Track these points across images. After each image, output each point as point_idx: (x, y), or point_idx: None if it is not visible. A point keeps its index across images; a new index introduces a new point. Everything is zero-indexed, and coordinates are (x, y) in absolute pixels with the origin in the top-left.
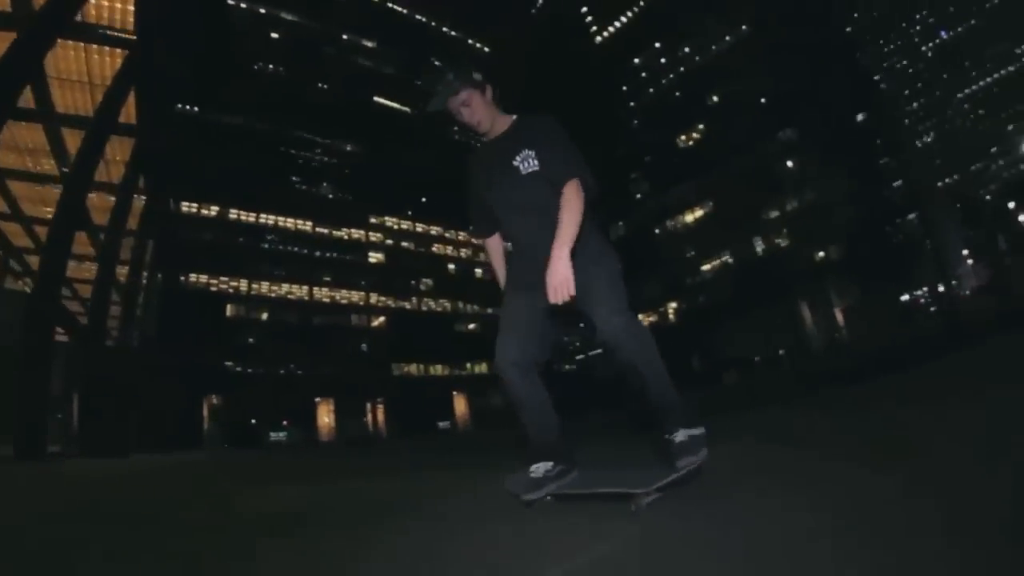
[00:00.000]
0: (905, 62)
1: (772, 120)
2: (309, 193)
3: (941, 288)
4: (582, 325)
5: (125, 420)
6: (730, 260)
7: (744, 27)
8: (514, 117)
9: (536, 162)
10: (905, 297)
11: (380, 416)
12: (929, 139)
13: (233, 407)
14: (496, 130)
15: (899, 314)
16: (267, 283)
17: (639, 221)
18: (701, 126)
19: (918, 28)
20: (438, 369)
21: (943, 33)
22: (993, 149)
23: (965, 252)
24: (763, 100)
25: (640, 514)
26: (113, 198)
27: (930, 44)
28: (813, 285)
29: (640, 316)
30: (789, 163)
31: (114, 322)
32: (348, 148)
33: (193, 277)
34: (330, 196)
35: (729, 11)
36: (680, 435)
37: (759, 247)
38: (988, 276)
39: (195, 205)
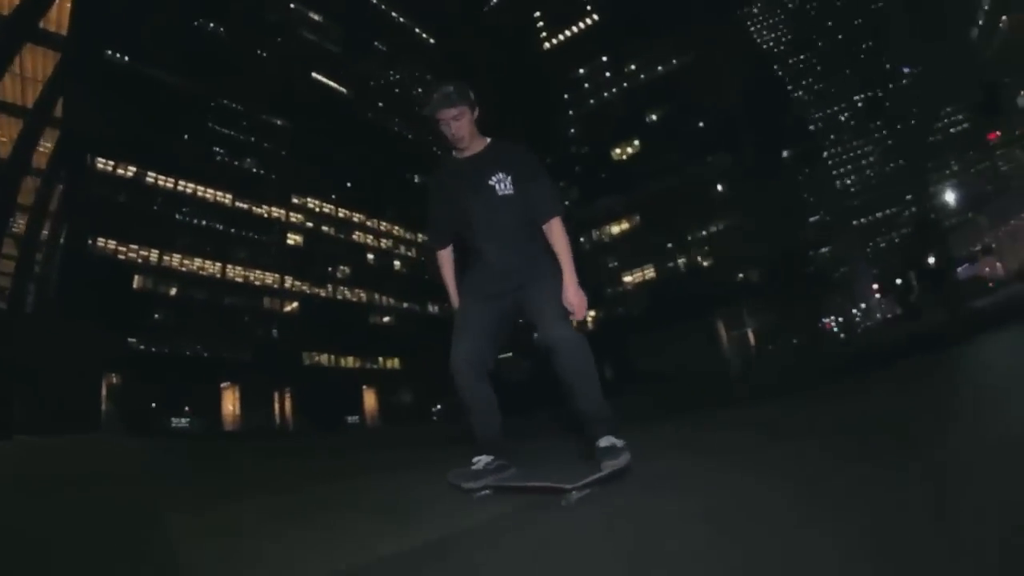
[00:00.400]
0: (836, 108)
1: (706, 144)
2: (232, 165)
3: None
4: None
5: (9, 395)
6: (652, 274)
7: (690, 53)
8: (489, 140)
9: (511, 187)
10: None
11: (287, 406)
12: (849, 181)
13: (134, 388)
14: (472, 149)
15: (812, 337)
16: (179, 256)
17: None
18: (637, 141)
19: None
20: (349, 361)
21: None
22: (908, 196)
23: (875, 286)
24: (700, 124)
25: (569, 506)
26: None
27: (860, 96)
28: (730, 306)
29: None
30: (719, 187)
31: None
32: (279, 123)
33: (101, 242)
34: (254, 170)
35: (678, 37)
36: (605, 441)
37: (682, 264)
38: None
39: (111, 163)
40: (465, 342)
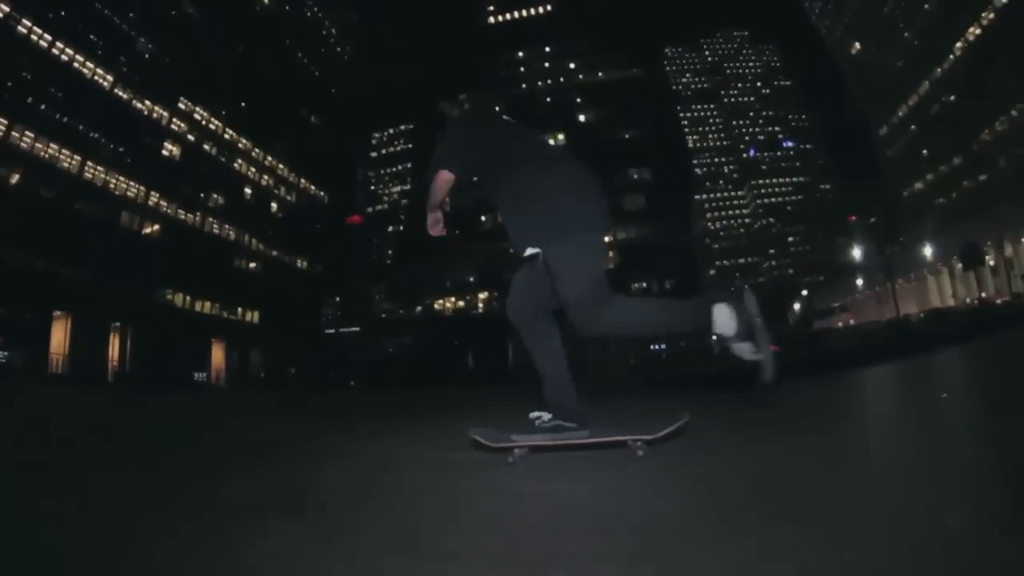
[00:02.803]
0: (721, 159)
1: (629, 156)
2: (123, 44)
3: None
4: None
5: None
6: None
7: (635, 70)
8: None
9: None
10: None
11: (122, 348)
12: (719, 225)
13: None
14: None
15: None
16: (32, 135)
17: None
18: (561, 136)
19: (739, 135)
20: (205, 307)
21: (753, 151)
22: (772, 251)
23: None
24: (626, 136)
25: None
26: None
27: (743, 155)
28: None
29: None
30: (631, 199)
31: None
32: (189, 11)
33: None
34: (145, 56)
35: (629, 53)
36: (547, 416)
37: None
38: None
39: None
40: (515, 295)
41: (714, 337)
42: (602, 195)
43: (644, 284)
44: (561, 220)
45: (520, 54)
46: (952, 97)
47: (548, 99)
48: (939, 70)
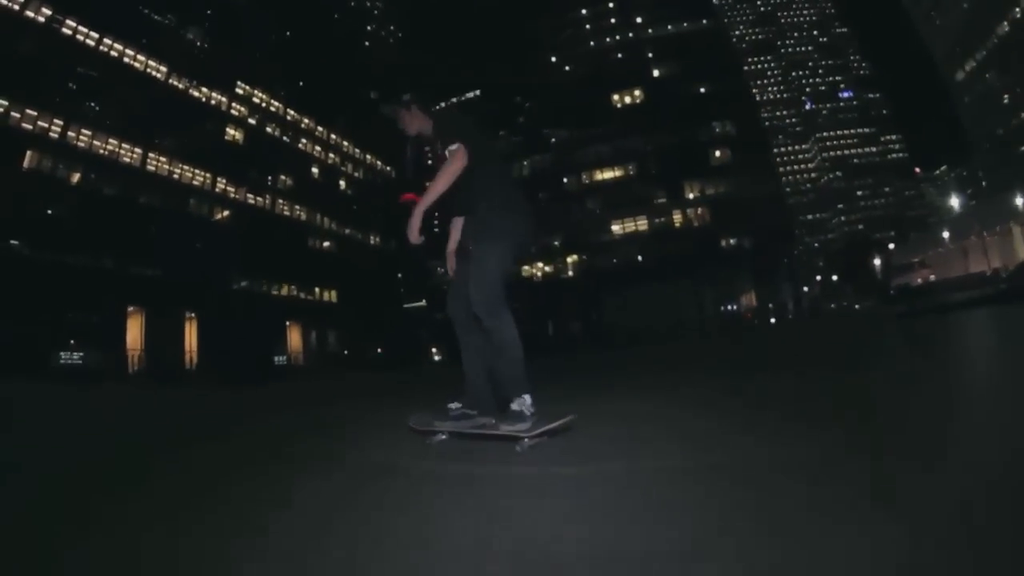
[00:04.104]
0: (785, 112)
1: (709, 110)
2: (172, 30)
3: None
4: None
5: None
6: (644, 226)
7: (704, 21)
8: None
9: (443, 148)
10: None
11: (200, 340)
12: (783, 182)
13: (9, 309)
14: (426, 131)
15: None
16: (88, 132)
17: (548, 166)
18: (638, 92)
19: (799, 87)
20: (282, 289)
21: (810, 104)
22: (840, 205)
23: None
24: (702, 90)
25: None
26: None
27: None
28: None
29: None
30: (717, 153)
31: None
32: None
33: None
34: (197, 43)
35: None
36: (516, 404)
37: (677, 220)
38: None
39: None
40: (451, 296)
41: (515, 403)
42: (529, 213)
43: (734, 240)
44: (499, 225)
45: (583, 12)
46: None
47: (619, 55)
48: (1018, 9)
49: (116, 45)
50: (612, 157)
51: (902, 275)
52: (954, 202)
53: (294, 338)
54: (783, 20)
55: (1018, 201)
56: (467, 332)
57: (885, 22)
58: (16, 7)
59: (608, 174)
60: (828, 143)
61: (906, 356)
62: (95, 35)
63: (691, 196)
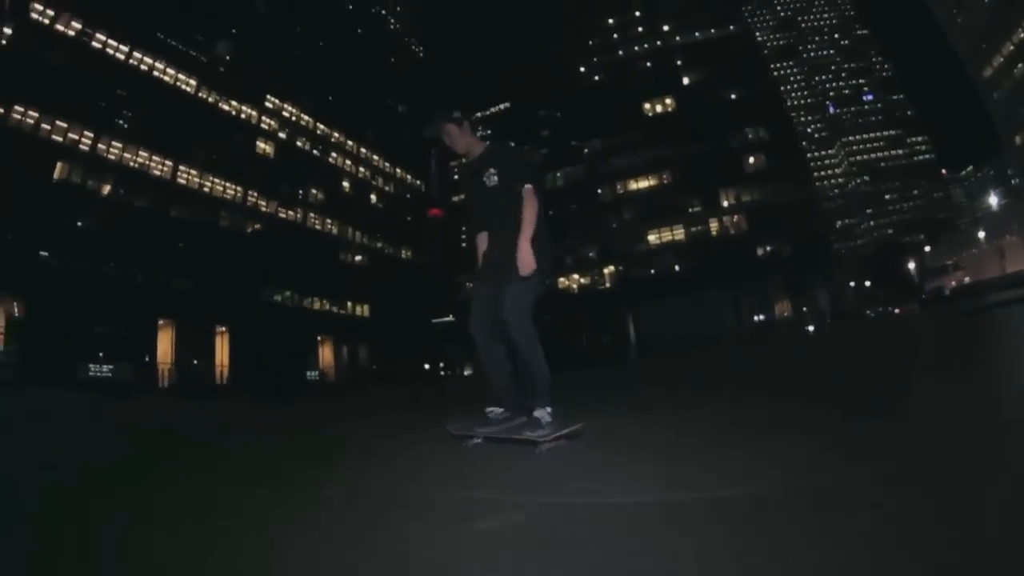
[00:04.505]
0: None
1: (741, 116)
2: (203, 47)
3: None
4: None
5: None
6: (681, 235)
7: (732, 27)
8: (487, 143)
9: (496, 179)
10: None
11: (233, 354)
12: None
13: (42, 320)
14: (473, 153)
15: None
16: (120, 144)
17: (582, 176)
18: (669, 100)
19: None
20: (314, 304)
21: (832, 107)
22: (869, 210)
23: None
24: (733, 96)
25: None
26: None
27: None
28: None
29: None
30: (751, 159)
31: None
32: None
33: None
34: (227, 57)
35: (726, 10)
36: (538, 412)
37: (714, 228)
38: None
39: (50, 12)
40: (477, 317)
41: (537, 412)
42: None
43: (771, 247)
44: (542, 260)
45: (611, 21)
46: None
47: (648, 63)
48: None
49: (146, 58)
50: (645, 166)
51: (935, 278)
52: (992, 200)
53: (326, 353)
54: (803, 24)
55: None
56: (491, 347)
57: (907, 22)
58: (47, 21)
59: (643, 183)
60: (854, 147)
61: None
62: (125, 48)
63: (726, 204)
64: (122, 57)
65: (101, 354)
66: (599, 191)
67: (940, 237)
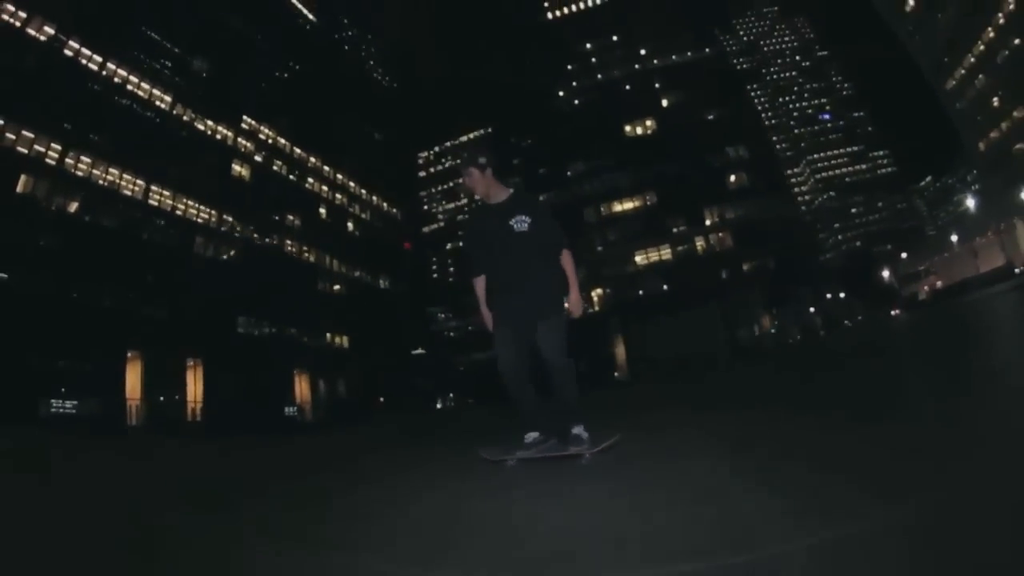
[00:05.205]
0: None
1: (722, 135)
2: (180, 59)
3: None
4: None
5: None
6: (666, 256)
7: (707, 50)
8: (512, 190)
9: (527, 225)
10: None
11: (208, 389)
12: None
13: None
14: (495, 198)
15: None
16: (89, 159)
17: (566, 200)
18: (650, 122)
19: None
20: (292, 332)
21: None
22: (836, 224)
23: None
24: (710, 117)
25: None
26: None
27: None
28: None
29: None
30: (732, 177)
31: None
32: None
33: None
34: (203, 74)
35: (699, 33)
36: (576, 429)
37: (700, 246)
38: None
39: (21, 15)
40: (509, 356)
41: (575, 429)
42: None
43: (756, 262)
44: (561, 301)
45: (588, 45)
46: (1018, 40)
47: (627, 86)
48: (1001, 14)
49: (120, 71)
50: (629, 188)
51: (908, 285)
52: (969, 203)
53: (302, 387)
54: (766, 48)
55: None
56: (523, 382)
57: (866, 41)
58: (17, 24)
59: (627, 205)
60: (819, 164)
61: None
62: (98, 58)
63: (710, 222)
64: (95, 67)
65: (63, 389)
66: (583, 212)
67: (913, 244)
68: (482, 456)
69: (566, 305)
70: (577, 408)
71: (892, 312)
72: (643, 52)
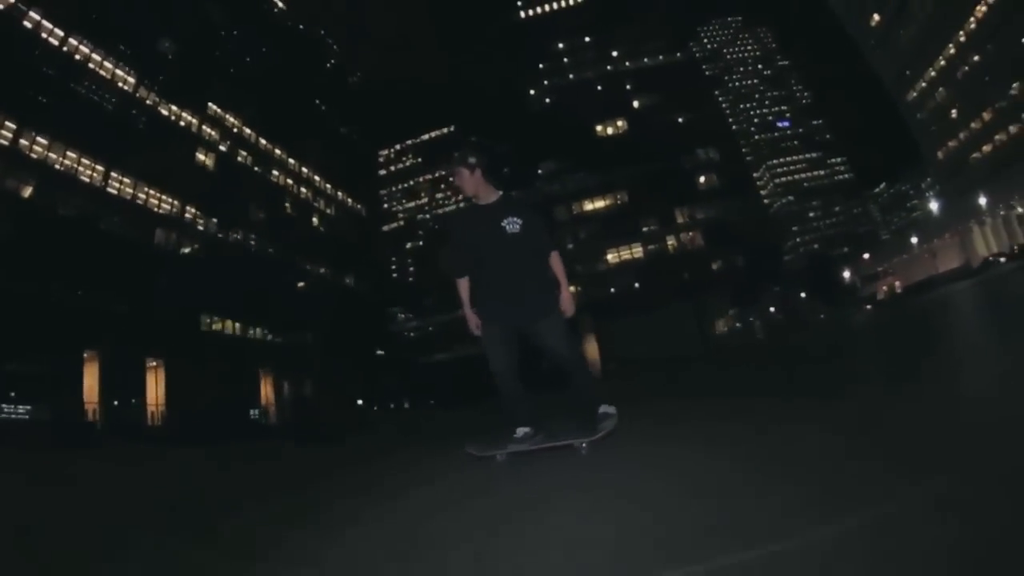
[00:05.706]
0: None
1: (693, 136)
2: (146, 40)
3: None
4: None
5: None
6: (638, 254)
7: (679, 55)
8: (501, 192)
9: (518, 227)
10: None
11: (170, 390)
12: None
13: None
14: (485, 198)
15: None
16: (46, 140)
17: (535, 198)
18: (621, 123)
19: (748, 119)
20: (256, 332)
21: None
22: (794, 228)
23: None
24: (680, 120)
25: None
26: None
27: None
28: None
29: None
30: (703, 179)
31: None
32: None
33: None
34: (169, 57)
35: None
36: (603, 408)
37: (671, 245)
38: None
39: None
40: (501, 354)
41: (602, 408)
42: None
43: (725, 260)
44: (556, 299)
45: (560, 45)
46: (977, 57)
47: (599, 87)
48: (962, 32)
49: (82, 47)
50: (600, 187)
51: (868, 285)
52: (933, 206)
53: (266, 388)
54: (728, 56)
55: (981, 201)
56: (514, 379)
57: (828, 52)
58: None
59: (599, 203)
60: (778, 170)
61: None
62: (60, 33)
63: (681, 221)
64: (56, 42)
65: (12, 393)
66: (553, 211)
67: (868, 247)
68: (468, 452)
69: (573, 310)
70: (596, 394)
71: (866, 307)
72: (615, 54)
